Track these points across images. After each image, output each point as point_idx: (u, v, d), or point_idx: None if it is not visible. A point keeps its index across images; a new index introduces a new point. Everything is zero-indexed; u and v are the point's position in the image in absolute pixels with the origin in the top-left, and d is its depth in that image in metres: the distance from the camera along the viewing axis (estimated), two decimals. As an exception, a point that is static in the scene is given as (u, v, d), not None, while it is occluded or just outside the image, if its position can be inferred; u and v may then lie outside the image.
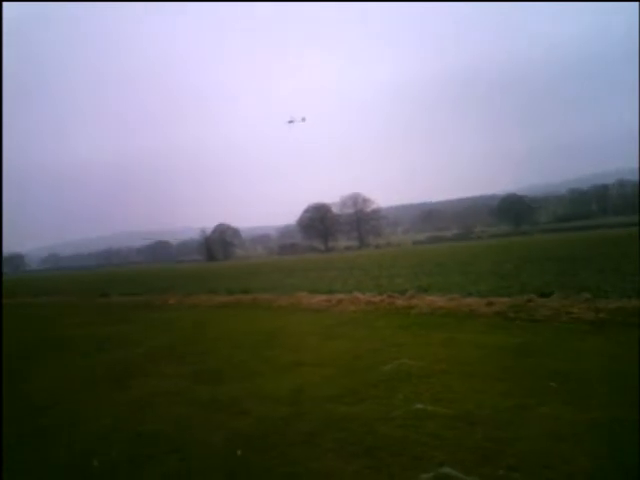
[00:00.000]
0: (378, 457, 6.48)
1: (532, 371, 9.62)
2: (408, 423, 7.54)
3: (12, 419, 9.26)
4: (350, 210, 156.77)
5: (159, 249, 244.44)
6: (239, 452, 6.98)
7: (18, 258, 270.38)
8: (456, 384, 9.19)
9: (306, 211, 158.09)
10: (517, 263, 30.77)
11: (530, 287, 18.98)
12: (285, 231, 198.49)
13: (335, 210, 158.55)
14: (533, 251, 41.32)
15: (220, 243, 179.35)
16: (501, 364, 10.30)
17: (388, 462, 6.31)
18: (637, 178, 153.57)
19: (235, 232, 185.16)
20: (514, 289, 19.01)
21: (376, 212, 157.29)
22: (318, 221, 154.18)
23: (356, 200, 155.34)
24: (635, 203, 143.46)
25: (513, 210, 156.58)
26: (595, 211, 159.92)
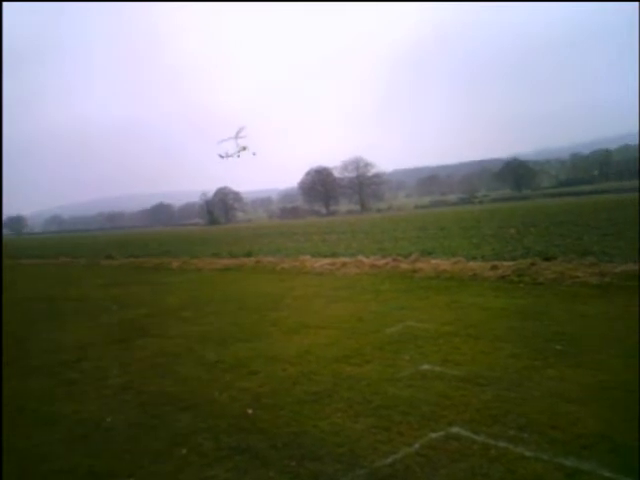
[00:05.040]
0: (386, 416, 6.54)
1: (537, 333, 9.67)
2: (416, 384, 7.60)
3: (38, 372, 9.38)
4: (352, 174, 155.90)
5: (161, 212, 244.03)
6: (250, 411, 7.06)
7: (20, 220, 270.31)
8: (463, 346, 9.25)
9: (307, 174, 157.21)
10: (520, 227, 30.72)
11: (533, 251, 18.98)
12: (287, 195, 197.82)
13: (337, 174, 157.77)
14: (536, 215, 41.24)
15: (222, 207, 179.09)
16: (506, 326, 10.36)
17: (397, 421, 6.37)
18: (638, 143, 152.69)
19: (236, 196, 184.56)
20: (517, 253, 19.00)
21: (378, 176, 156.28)
22: (319, 184, 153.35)
23: (358, 164, 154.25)
24: (637, 168, 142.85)
25: (515, 174, 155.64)
26: (597, 176, 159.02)
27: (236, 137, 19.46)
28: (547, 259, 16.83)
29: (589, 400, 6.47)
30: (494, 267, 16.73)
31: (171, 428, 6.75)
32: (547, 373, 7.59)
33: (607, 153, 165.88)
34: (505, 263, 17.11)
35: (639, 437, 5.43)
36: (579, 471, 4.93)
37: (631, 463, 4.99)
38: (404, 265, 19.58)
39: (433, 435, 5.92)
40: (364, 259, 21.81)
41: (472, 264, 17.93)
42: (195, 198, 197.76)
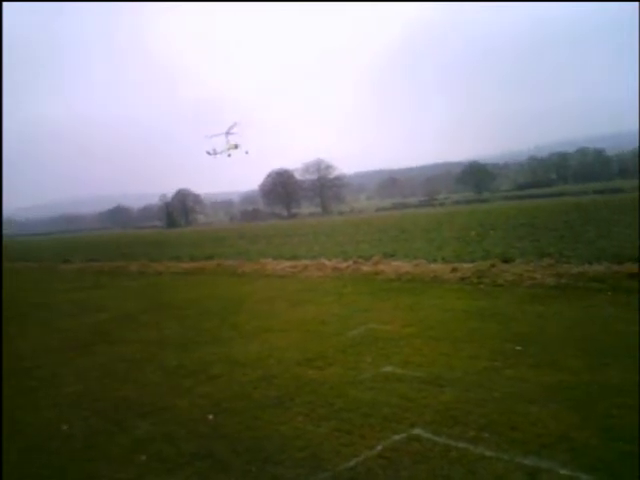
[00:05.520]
0: (348, 419, 6.55)
1: (497, 335, 9.80)
2: (377, 386, 7.63)
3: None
4: (313, 176, 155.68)
5: (119, 215, 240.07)
6: (210, 416, 6.98)
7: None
8: (424, 347, 9.32)
9: (268, 176, 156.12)
10: (480, 230, 31.11)
11: (493, 253, 19.24)
12: (248, 197, 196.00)
13: (298, 176, 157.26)
14: (495, 218, 41.83)
15: (181, 209, 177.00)
16: (467, 328, 10.48)
17: (359, 424, 6.38)
18: (594, 146, 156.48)
19: (196, 198, 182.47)
20: (477, 255, 19.24)
21: (339, 178, 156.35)
22: (280, 187, 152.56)
23: (319, 166, 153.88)
24: (594, 171, 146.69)
25: (475, 177, 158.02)
26: (555, 179, 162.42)
27: (227, 134, 18.42)
28: (506, 261, 17.08)
29: (548, 400, 6.57)
30: (455, 269, 16.92)
31: (130, 435, 6.64)
32: (507, 374, 7.70)
33: (564, 156, 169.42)
34: (465, 265, 17.31)
35: (595, 437, 5.54)
36: (539, 470, 5.00)
37: (589, 461, 5.08)
38: (366, 267, 19.66)
39: (395, 437, 5.94)
40: (326, 262, 21.84)
41: (433, 266, 18.10)
42: (154, 200, 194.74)
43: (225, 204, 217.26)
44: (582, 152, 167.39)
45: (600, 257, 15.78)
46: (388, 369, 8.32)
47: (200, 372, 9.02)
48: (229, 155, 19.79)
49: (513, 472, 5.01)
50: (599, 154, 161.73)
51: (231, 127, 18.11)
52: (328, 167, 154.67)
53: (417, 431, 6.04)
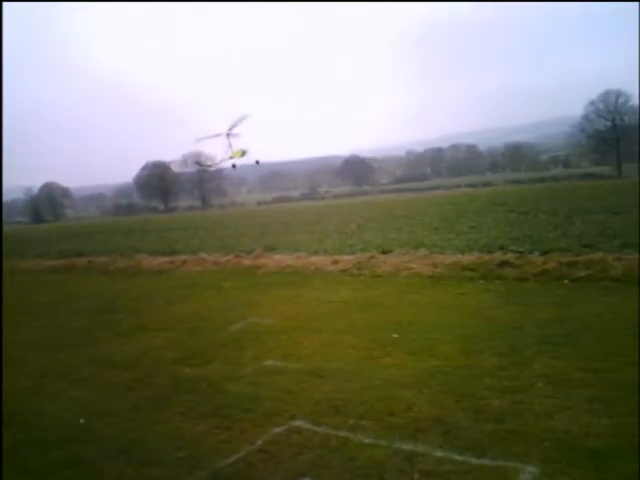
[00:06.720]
0: (228, 416, 6.45)
1: (376, 324, 10.04)
2: (259, 380, 7.58)
3: None
4: (191, 169, 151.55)
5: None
6: (82, 420, 6.60)
7: None
8: (305, 340, 9.38)
9: (144, 169, 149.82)
10: (360, 222, 31.82)
11: (372, 245, 19.71)
12: (121, 190, 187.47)
13: (175, 168, 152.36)
14: (374, 211, 42.96)
15: (48, 203, 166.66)
16: (347, 318, 10.67)
17: (239, 419, 6.30)
18: (468, 141, 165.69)
19: (65, 192, 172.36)
20: (357, 247, 19.62)
21: (219, 171, 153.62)
22: (157, 179, 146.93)
23: (198, 158, 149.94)
24: (468, 165, 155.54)
25: (355, 171, 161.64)
26: (430, 173, 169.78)
27: (228, 134, 13.86)
28: (385, 252, 17.56)
29: (424, 386, 6.80)
30: (335, 261, 17.17)
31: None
32: (385, 361, 7.90)
33: (439, 151, 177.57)
34: (346, 257, 17.62)
35: (469, 418, 5.79)
36: (415, 454, 5.15)
37: (462, 442, 5.29)
38: (247, 261, 19.51)
39: (276, 430, 5.91)
40: (206, 256, 21.45)
41: (314, 259, 18.26)
42: (19, 194, 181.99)
43: (97, 197, 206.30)
44: (455, 147, 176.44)
45: (472, 247, 16.65)
46: (269, 363, 8.28)
47: (71, 374, 8.56)
48: (234, 166, 14.51)
49: (391, 457, 5.12)
50: (471, 149, 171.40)
51: (234, 124, 13.28)
52: (208, 159, 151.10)
53: (298, 423, 6.05)
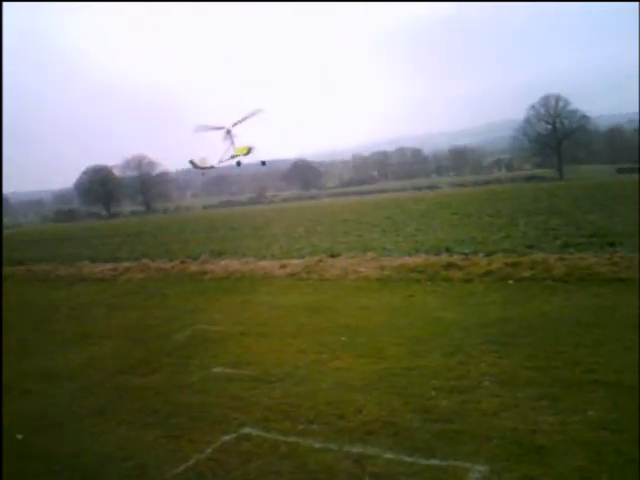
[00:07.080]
0: (176, 425, 6.34)
1: (325, 327, 10.04)
2: (207, 388, 7.48)
3: None
4: (134, 173, 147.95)
5: None
6: (19, 436, 6.36)
7: None
8: (253, 345, 9.32)
9: (84, 173, 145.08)
10: (308, 226, 31.88)
11: (320, 248, 19.76)
12: (61, 196, 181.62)
13: (117, 173, 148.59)
14: (322, 214, 43.14)
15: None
16: (296, 323, 10.62)
17: (187, 428, 6.20)
18: (414, 145, 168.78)
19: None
20: (306, 251, 19.65)
21: (163, 175, 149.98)
22: (98, 184, 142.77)
23: (141, 162, 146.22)
24: (413, 169, 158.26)
25: (303, 175, 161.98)
26: (376, 176, 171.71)
27: (230, 133, 12.38)
28: (333, 256, 17.62)
29: (372, 388, 6.84)
30: (284, 266, 17.11)
31: None
32: (334, 365, 7.91)
33: (385, 155, 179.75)
34: (294, 261, 17.59)
35: (418, 419, 5.84)
36: (365, 456, 5.17)
37: (411, 443, 5.33)
38: (193, 267, 19.25)
39: (225, 438, 5.84)
40: (150, 262, 21.05)
41: (263, 263, 18.18)
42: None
43: (35, 203, 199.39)
44: (401, 151, 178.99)
45: (419, 250, 16.89)
46: (217, 370, 8.19)
47: (9, 388, 8.20)
48: (238, 164, 14.78)
49: (341, 461, 5.12)
50: (417, 153, 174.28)
51: (243, 119, 13.22)
52: (151, 163, 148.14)
53: (247, 430, 5.99)
